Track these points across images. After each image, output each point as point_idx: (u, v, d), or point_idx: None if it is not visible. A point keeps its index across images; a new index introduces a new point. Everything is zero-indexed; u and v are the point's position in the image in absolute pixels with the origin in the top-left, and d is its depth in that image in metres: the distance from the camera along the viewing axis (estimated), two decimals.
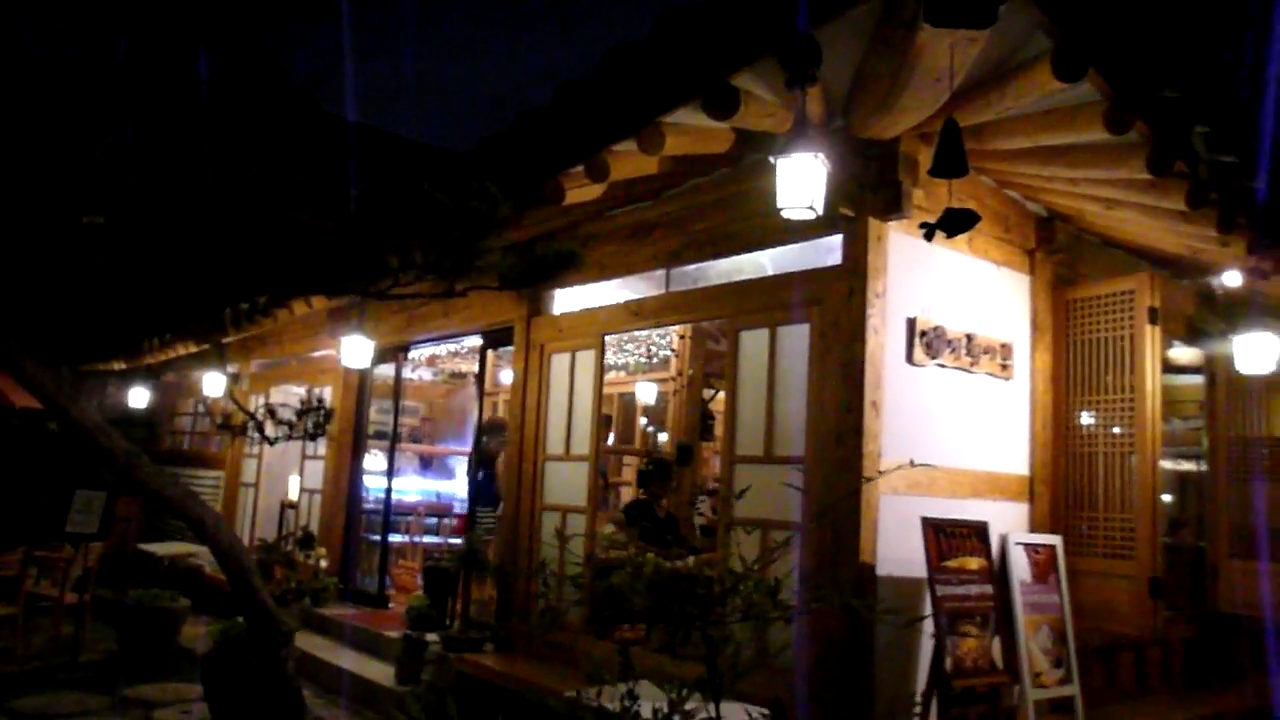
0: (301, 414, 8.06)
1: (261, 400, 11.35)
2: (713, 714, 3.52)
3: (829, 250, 5.59)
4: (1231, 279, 6.09)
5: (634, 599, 6.71)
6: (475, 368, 9.91)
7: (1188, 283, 6.93)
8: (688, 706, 4.10)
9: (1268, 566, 7.10)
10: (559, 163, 5.56)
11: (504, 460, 8.18)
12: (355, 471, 10.43)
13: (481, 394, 9.08)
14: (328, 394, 10.37)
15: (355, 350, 8.02)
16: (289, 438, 8.08)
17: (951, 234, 4.56)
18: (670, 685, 3.71)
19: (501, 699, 6.52)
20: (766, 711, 3.92)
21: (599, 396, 7.12)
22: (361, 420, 10.47)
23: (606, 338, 7.44)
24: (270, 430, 8.06)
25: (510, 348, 7.95)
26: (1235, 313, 6.01)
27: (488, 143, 6.04)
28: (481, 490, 8.83)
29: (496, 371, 10.48)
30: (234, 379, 12.19)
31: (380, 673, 7.54)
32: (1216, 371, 7.23)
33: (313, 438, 8.24)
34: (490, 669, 6.79)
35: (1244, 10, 4.66)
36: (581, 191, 5.74)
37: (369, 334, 8.24)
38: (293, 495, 10.93)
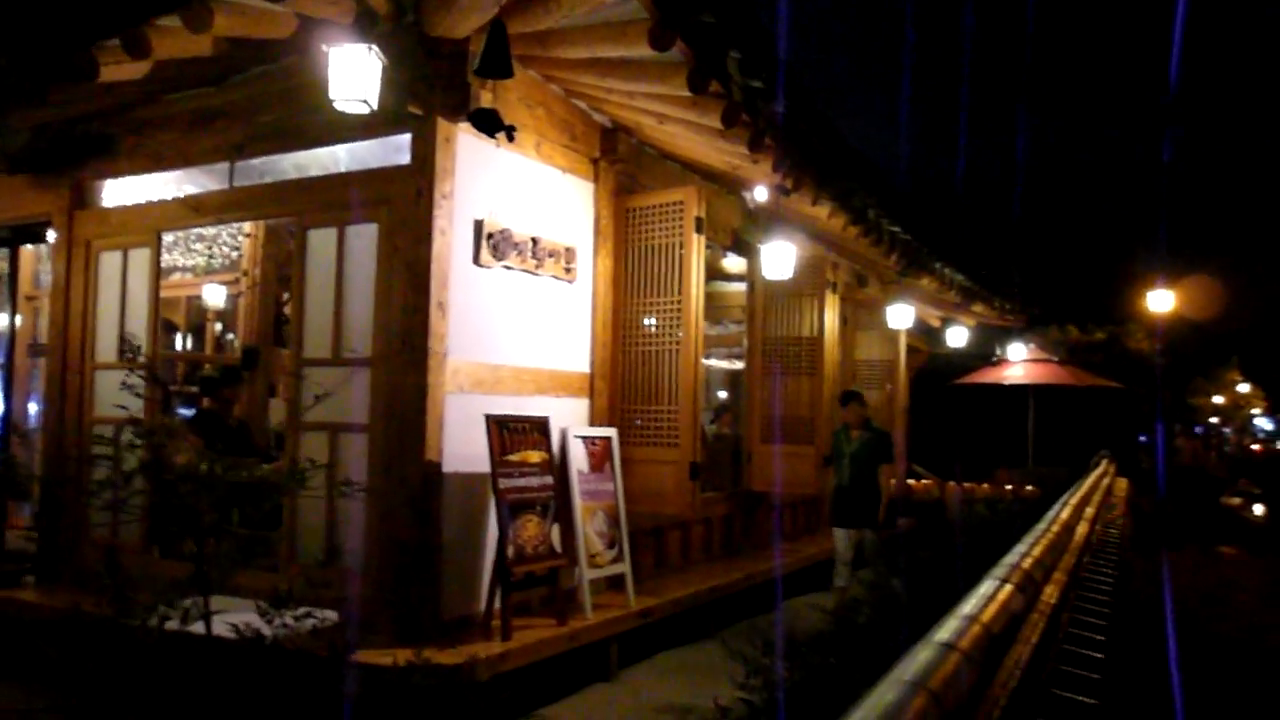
0: None
1: None
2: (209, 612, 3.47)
3: (399, 149, 5.50)
4: (762, 194, 6.78)
5: (201, 512, 6.35)
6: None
7: (732, 197, 7.63)
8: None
9: (780, 448, 8.22)
10: (91, 34, 4.94)
11: (45, 370, 7.33)
12: None
13: (14, 296, 8.03)
14: None
15: None
16: None
17: (485, 131, 4.70)
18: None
19: (43, 636, 5.92)
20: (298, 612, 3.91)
21: (156, 298, 6.56)
22: None
23: (165, 235, 6.86)
24: None
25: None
26: (765, 225, 6.73)
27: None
28: None
29: (39, 272, 9.27)
30: None
31: None
32: (755, 279, 8.10)
33: None
34: (29, 604, 6.16)
35: None
36: (121, 69, 5.17)
37: None
38: None
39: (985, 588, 2.82)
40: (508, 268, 5.78)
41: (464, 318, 5.43)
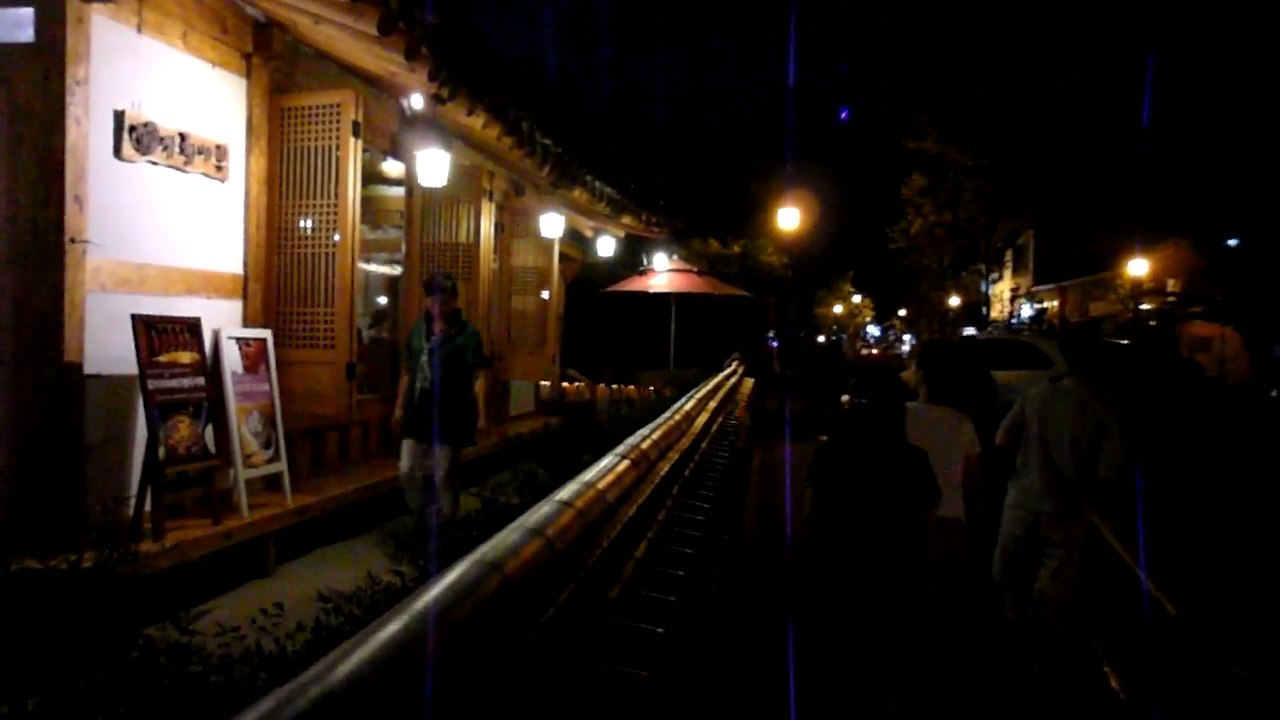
0: None
1: None
2: None
3: (20, 25, 5.08)
4: (419, 102, 6.90)
5: None
6: None
7: (391, 101, 7.67)
8: None
9: None
10: None
11: None
12: None
13: None
14: None
15: None
16: None
17: None
18: None
19: None
20: None
21: None
22: None
23: None
24: None
25: None
26: (422, 131, 6.87)
27: None
28: None
29: None
30: None
31: None
32: (413, 185, 8.22)
33: None
34: None
35: None
36: None
37: None
38: None
39: (606, 461, 3.35)
40: (154, 163, 5.56)
41: (106, 214, 5.20)
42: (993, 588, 5.39)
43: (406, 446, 6.69)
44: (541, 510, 2.37)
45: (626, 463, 3.44)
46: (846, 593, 3.70)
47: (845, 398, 4.23)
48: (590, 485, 2.82)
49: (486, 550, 1.94)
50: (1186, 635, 5.59)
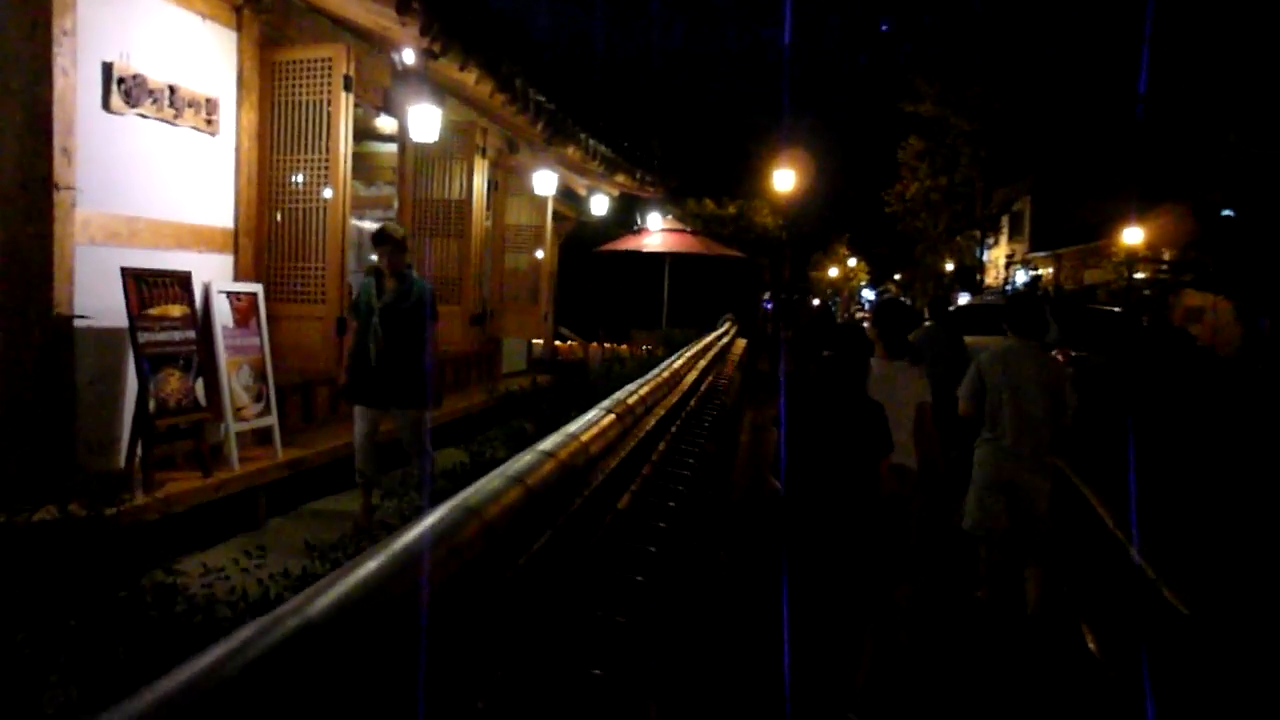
0: None
1: None
2: None
3: None
4: (410, 57, 6.86)
5: None
6: None
7: (383, 55, 7.61)
8: None
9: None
10: None
11: None
12: None
13: None
14: None
15: None
16: None
17: None
18: None
19: None
20: None
21: None
22: None
23: None
24: None
25: None
26: (414, 87, 6.84)
27: None
28: None
29: None
30: None
31: None
32: (406, 141, 8.19)
33: None
34: None
35: None
36: None
37: None
38: None
39: (590, 415, 3.38)
40: (143, 116, 5.53)
41: (95, 167, 5.18)
42: (960, 539, 5.49)
43: (359, 413, 6.22)
44: (524, 459, 2.41)
45: (611, 416, 3.47)
46: (814, 531, 3.95)
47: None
48: (573, 437, 2.86)
49: (468, 495, 1.98)
50: (1160, 596, 5.69)
